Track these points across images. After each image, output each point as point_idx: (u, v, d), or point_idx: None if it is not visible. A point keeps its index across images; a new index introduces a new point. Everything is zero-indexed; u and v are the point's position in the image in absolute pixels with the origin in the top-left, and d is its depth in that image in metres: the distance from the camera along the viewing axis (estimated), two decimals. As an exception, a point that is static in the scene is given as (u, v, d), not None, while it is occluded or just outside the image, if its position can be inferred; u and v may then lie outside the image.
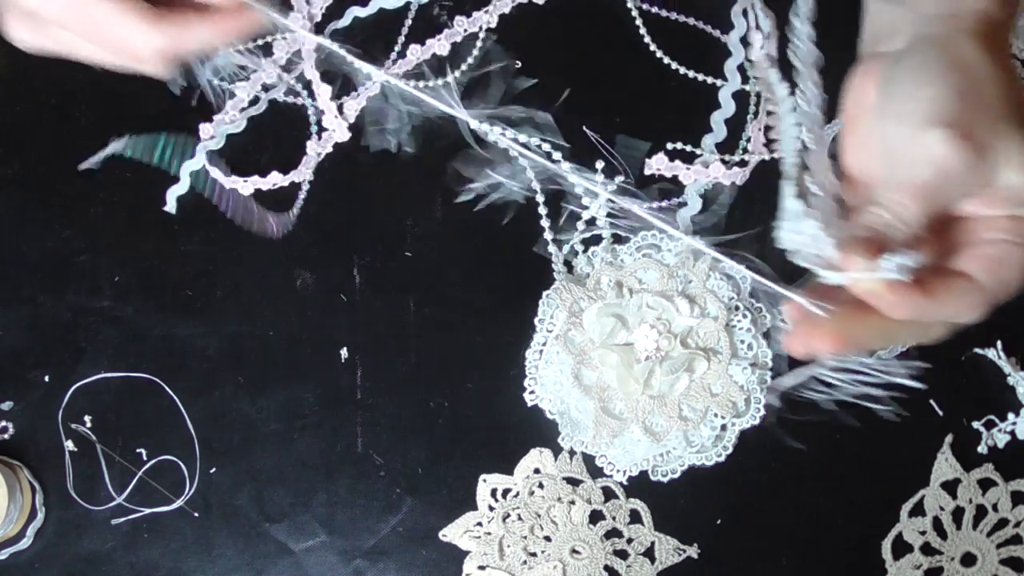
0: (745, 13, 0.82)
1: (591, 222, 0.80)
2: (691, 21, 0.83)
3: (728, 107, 0.81)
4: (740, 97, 0.81)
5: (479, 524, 0.77)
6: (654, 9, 0.83)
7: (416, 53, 0.82)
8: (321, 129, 0.81)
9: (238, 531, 0.77)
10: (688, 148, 0.81)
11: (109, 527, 0.77)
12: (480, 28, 0.83)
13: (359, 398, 0.78)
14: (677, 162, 0.80)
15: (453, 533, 0.77)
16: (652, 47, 0.82)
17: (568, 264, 0.79)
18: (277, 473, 0.77)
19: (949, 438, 0.77)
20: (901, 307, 0.53)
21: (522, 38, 0.82)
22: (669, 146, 0.80)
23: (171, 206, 0.79)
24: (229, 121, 0.81)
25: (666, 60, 0.82)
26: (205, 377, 0.78)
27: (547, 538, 0.77)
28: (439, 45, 0.82)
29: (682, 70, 0.82)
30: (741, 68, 0.82)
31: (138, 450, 0.78)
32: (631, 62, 0.82)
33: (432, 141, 0.79)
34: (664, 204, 0.80)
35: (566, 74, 0.82)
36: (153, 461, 0.77)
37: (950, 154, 0.51)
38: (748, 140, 0.81)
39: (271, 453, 0.78)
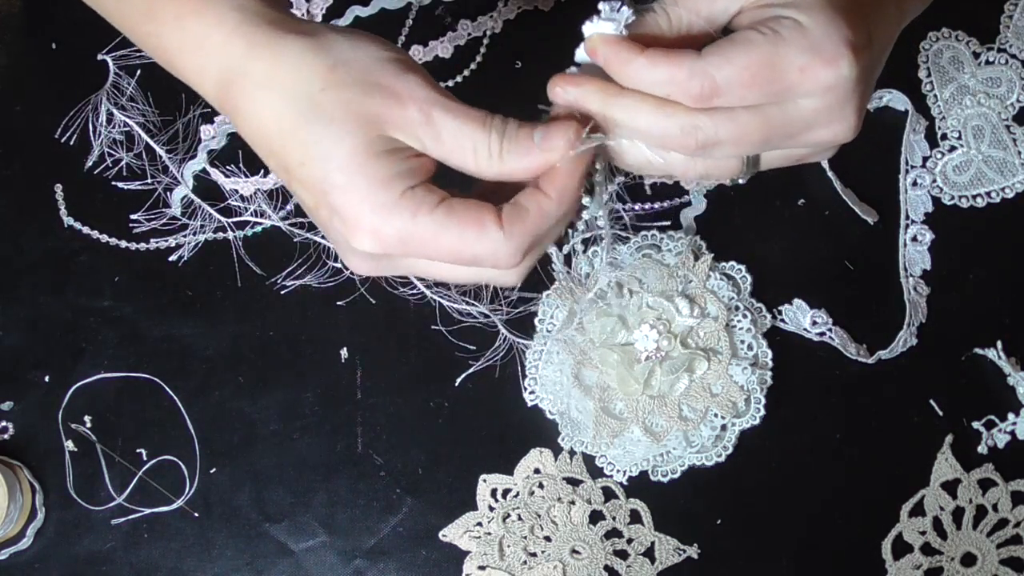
0: None
1: (591, 222, 0.80)
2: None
3: None
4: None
5: (479, 524, 0.77)
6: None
7: (418, 54, 0.82)
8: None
9: (238, 531, 0.77)
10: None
11: (109, 527, 0.77)
12: (484, 33, 0.83)
13: (359, 398, 0.78)
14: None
15: (453, 533, 0.77)
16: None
17: (568, 264, 0.79)
18: (277, 473, 0.77)
19: (949, 438, 0.77)
20: (611, 57, 0.53)
21: (524, 43, 0.83)
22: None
23: (175, 206, 0.80)
24: (230, 121, 0.80)
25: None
26: (205, 377, 0.78)
27: (547, 538, 0.77)
28: (442, 48, 0.83)
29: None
30: None
31: (138, 450, 0.78)
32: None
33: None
34: (667, 204, 0.81)
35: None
36: (153, 461, 0.77)
37: None
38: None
39: (271, 453, 0.78)
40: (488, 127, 0.52)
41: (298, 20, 0.54)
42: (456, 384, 0.78)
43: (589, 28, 0.54)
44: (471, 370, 0.78)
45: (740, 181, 0.59)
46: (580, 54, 0.56)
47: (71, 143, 0.81)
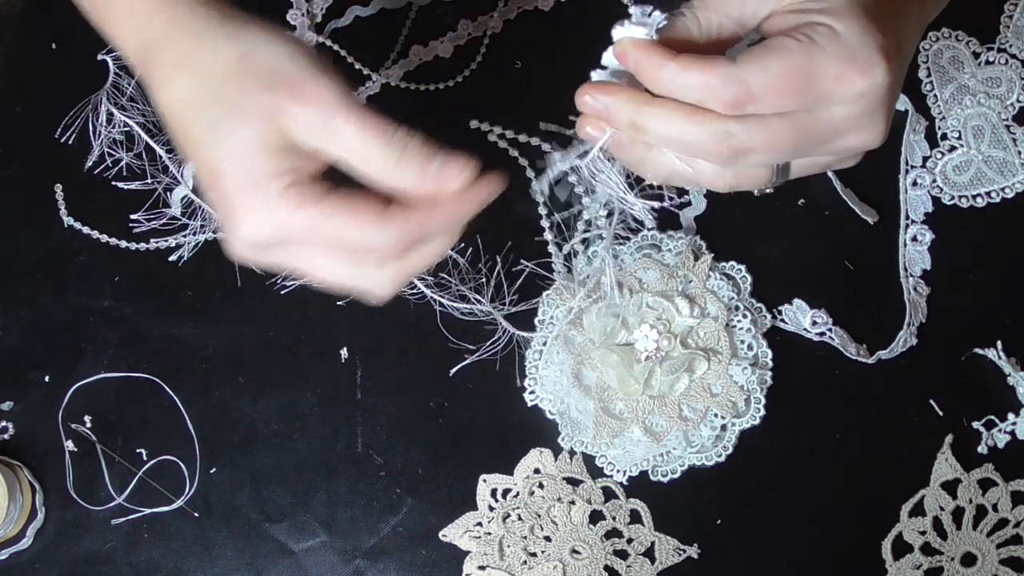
0: None
1: (591, 222, 0.80)
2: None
3: None
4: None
5: (479, 524, 0.77)
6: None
7: (419, 54, 0.82)
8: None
9: (238, 531, 0.77)
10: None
11: (109, 527, 0.77)
12: (484, 33, 0.83)
13: (359, 398, 0.78)
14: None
15: (453, 533, 0.77)
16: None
17: (568, 264, 0.79)
18: (277, 473, 0.77)
19: (949, 438, 0.77)
20: (643, 62, 0.53)
21: (524, 43, 0.83)
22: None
23: (175, 206, 0.80)
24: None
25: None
26: (205, 377, 0.78)
27: (547, 538, 0.77)
28: (442, 48, 0.83)
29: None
30: None
31: (138, 450, 0.78)
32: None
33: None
34: (667, 204, 0.80)
35: (568, 77, 0.82)
36: (153, 461, 0.77)
37: None
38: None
39: (271, 453, 0.78)
40: (388, 140, 0.53)
41: (222, 5, 0.55)
42: (454, 382, 0.78)
43: (619, 32, 0.54)
44: (468, 361, 0.78)
45: (768, 190, 0.59)
46: (608, 58, 0.56)
47: (71, 143, 0.81)
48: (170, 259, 0.80)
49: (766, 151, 0.53)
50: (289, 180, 0.53)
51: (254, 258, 0.56)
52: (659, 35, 0.54)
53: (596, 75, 0.56)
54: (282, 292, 0.79)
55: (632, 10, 0.54)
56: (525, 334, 0.77)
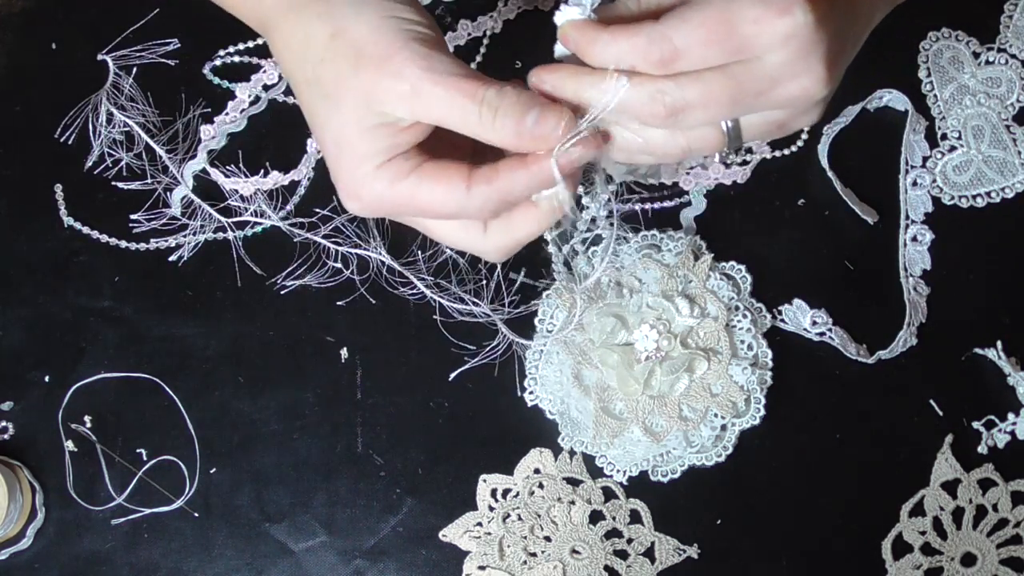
0: None
1: (591, 222, 0.80)
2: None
3: None
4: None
5: (479, 524, 0.77)
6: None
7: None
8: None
9: (238, 531, 0.77)
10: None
11: (109, 527, 0.77)
12: (484, 33, 0.83)
13: (359, 398, 0.78)
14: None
15: (453, 533, 0.77)
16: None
17: (568, 264, 0.79)
18: (277, 473, 0.77)
19: (949, 438, 0.77)
20: (580, 40, 0.54)
21: (524, 43, 0.83)
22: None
23: (175, 206, 0.80)
24: (230, 121, 0.81)
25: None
26: (205, 377, 0.78)
27: (547, 538, 0.77)
28: (440, 46, 0.83)
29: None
30: None
31: (138, 450, 0.78)
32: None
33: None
34: (668, 205, 0.81)
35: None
36: (153, 461, 0.77)
37: None
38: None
39: (271, 453, 0.78)
40: (479, 100, 0.53)
41: None
42: (454, 382, 0.78)
43: (560, 17, 0.55)
44: (467, 366, 0.78)
45: (729, 159, 0.59)
46: (559, 48, 0.57)
47: (71, 143, 0.81)
48: (170, 259, 0.80)
49: (704, 106, 0.54)
50: (384, 158, 0.55)
51: (368, 215, 0.59)
52: (598, 15, 0.55)
53: (558, 54, 0.57)
54: (282, 292, 0.79)
55: None
56: (524, 341, 0.77)
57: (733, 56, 0.52)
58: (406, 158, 0.56)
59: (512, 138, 0.54)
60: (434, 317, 0.78)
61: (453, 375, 0.78)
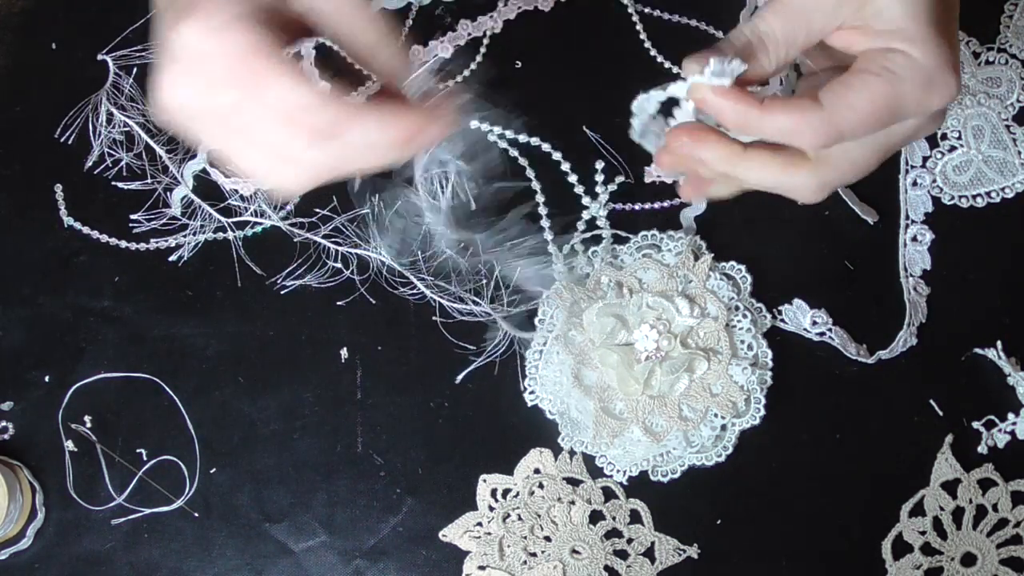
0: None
1: (591, 222, 0.80)
2: (692, 23, 0.83)
3: None
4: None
5: (479, 524, 0.77)
6: (655, 12, 0.83)
7: (418, 54, 0.82)
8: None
9: (238, 531, 0.77)
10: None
11: (109, 527, 0.77)
12: (484, 34, 0.83)
13: (359, 398, 0.78)
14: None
15: (453, 533, 0.77)
16: (652, 52, 0.83)
17: (568, 264, 0.79)
18: (277, 473, 0.77)
19: (949, 438, 0.77)
20: (727, 110, 0.53)
21: (524, 43, 0.83)
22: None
23: (175, 206, 0.80)
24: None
25: (667, 64, 0.82)
26: (205, 377, 0.78)
27: (547, 538, 0.77)
28: (441, 48, 0.83)
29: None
30: None
31: (138, 450, 0.77)
32: (632, 66, 0.83)
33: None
34: (667, 204, 0.81)
35: (568, 77, 0.82)
36: (153, 461, 0.77)
37: None
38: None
39: (271, 453, 0.78)
40: (375, 19, 0.52)
41: None
42: (456, 383, 0.78)
43: (696, 80, 0.54)
44: (472, 366, 0.78)
45: None
46: (647, 105, 0.57)
47: (71, 143, 0.81)
48: (170, 259, 0.80)
49: (852, 177, 0.56)
50: (250, 8, 0.49)
51: (174, 106, 0.51)
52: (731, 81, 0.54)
53: (636, 121, 0.58)
54: (282, 292, 0.79)
55: (711, 61, 0.54)
56: (525, 335, 0.77)
57: (884, 128, 0.54)
58: (276, 32, 0.50)
59: (389, 62, 0.53)
60: (434, 318, 0.78)
61: (460, 377, 0.78)
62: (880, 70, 0.53)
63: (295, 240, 0.79)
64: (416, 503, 0.77)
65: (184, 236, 0.80)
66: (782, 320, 0.79)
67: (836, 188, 0.58)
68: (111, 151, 0.81)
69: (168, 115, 0.51)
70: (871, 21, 0.54)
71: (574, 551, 0.77)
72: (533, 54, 0.83)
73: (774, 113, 0.53)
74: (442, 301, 0.78)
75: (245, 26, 0.49)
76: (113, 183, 0.80)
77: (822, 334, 0.78)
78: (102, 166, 0.81)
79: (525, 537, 0.77)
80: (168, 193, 0.80)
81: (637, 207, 0.80)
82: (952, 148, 0.82)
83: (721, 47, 0.55)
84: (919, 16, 0.53)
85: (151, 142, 0.80)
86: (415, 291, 0.78)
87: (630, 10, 0.83)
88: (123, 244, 0.80)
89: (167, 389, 0.78)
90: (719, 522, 0.77)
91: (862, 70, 0.53)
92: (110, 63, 0.81)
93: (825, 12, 0.54)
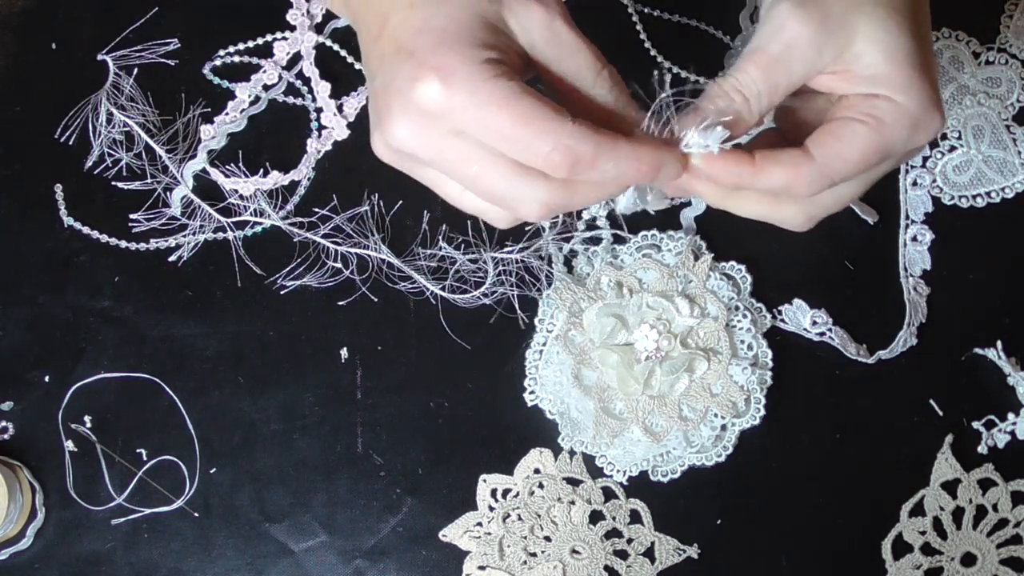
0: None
1: (591, 222, 0.80)
2: (692, 23, 0.83)
3: None
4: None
5: (479, 524, 0.77)
6: (655, 12, 0.83)
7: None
8: (321, 127, 0.81)
9: (238, 531, 0.77)
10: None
11: (109, 527, 0.77)
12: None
13: (359, 398, 0.78)
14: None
15: (453, 533, 0.77)
16: (653, 52, 0.83)
17: (568, 264, 0.79)
18: (277, 473, 0.77)
19: (949, 438, 0.77)
20: (722, 175, 0.54)
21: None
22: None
23: (175, 206, 0.80)
24: (230, 121, 0.81)
25: (667, 64, 0.82)
26: (205, 377, 0.78)
27: (547, 538, 0.77)
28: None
29: (682, 73, 0.82)
30: None
31: (138, 450, 0.77)
32: (632, 66, 0.82)
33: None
34: (667, 203, 0.80)
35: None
36: (153, 461, 0.77)
37: (794, 24, 0.52)
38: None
39: (271, 453, 0.78)
40: (602, 63, 0.53)
41: None
42: (454, 383, 0.78)
43: (687, 147, 0.54)
44: (471, 370, 0.78)
45: None
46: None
47: (71, 143, 0.81)
48: (170, 259, 0.80)
49: (837, 208, 0.57)
50: (494, 55, 0.50)
51: (397, 158, 0.52)
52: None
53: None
54: (282, 292, 0.79)
55: (692, 134, 0.53)
56: (527, 293, 0.77)
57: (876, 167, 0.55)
58: (512, 75, 0.50)
59: (611, 101, 0.54)
60: (434, 318, 0.78)
61: (456, 375, 0.78)
62: (866, 117, 0.53)
63: (295, 240, 0.79)
64: (416, 503, 0.77)
65: (184, 236, 0.80)
66: (782, 320, 0.79)
67: (823, 218, 0.59)
68: (111, 151, 0.81)
69: (390, 156, 0.53)
70: (852, 66, 0.54)
71: (574, 551, 0.77)
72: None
73: (768, 170, 0.53)
74: (442, 294, 0.78)
75: (492, 74, 0.49)
76: (113, 183, 0.80)
77: (822, 334, 0.78)
78: (102, 166, 0.81)
79: (525, 537, 0.77)
80: (168, 193, 0.80)
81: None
82: (952, 148, 0.82)
83: (702, 107, 0.54)
84: (900, 60, 0.53)
85: (151, 142, 0.80)
86: (415, 286, 0.78)
87: (630, 10, 0.83)
88: (123, 244, 0.80)
89: (167, 389, 0.78)
90: (719, 522, 0.77)
91: (848, 118, 0.54)
92: (110, 63, 0.81)
93: (805, 60, 0.53)
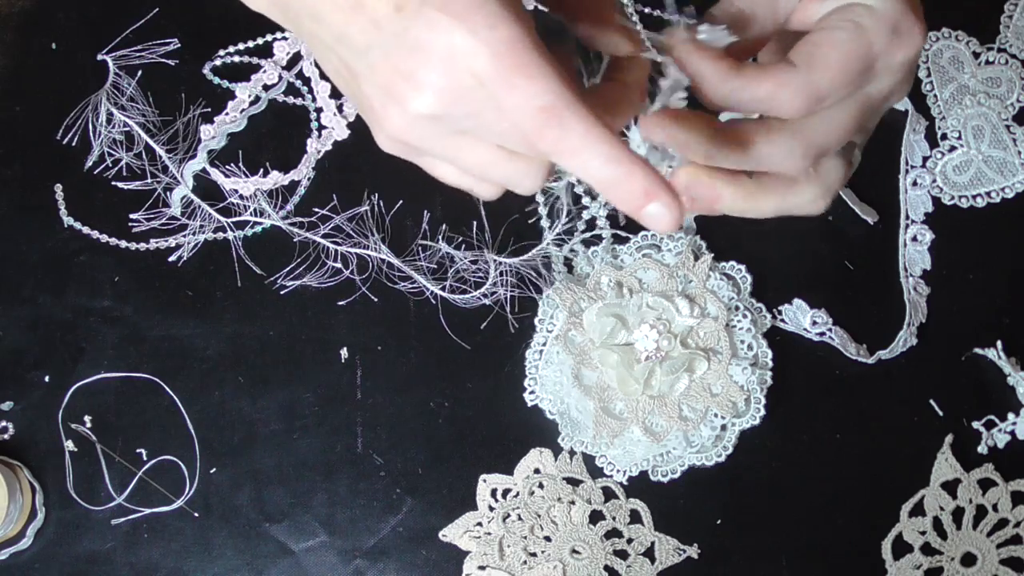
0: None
1: (591, 222, 0.80)
2: (692, 22, 0.83)
3: None
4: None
5: (479, 524, 0.77)
6: (656, 12, 0.83)
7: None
8: (321, 127, 0.81)
9: (238, 531, 0.77)
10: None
11: (109, 527, 0.77)
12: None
13: (359, 398, 0.78)
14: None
15: (453, 533, 0.77)
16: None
17: (568, 264, 0.79)
18: (277, 473, 0.77)
19: (949, 438, 0.77)
20: (707, 73, 0.53)
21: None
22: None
23: (175, 206, 0.80)
24: (230, 121, 0.81)
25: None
26: (205, 377, 0.78)
27: (547, 538, 0.77)
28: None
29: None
30: None
31: (138, 450, 0.78)
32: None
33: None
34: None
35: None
36: (153, 461, 0.77)
37: None
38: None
39: (271, 453, 0.78)
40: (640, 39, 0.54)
41: None
42: (454, 383, 0.78)
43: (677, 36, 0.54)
44: (471, 370, 0.78)
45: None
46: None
47: (71, 143, 0.81)
48: (170, 259, 0.80)
49: (839, 140, 0.55)
50: (508, 4, 0.46)
51: (407, 145, 0.50)
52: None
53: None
54: (282, 292, 0.79)
55: (701, 28, 0.53)
56: (527, 294, 0.77)
57: (860, 87, 0.54)
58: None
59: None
60: (434, 318, 0.78)
61: (456, 374, 0.78)
62: (844, 23, 0.53)
63: (295, 240, 0.79)
64: (416, 503, 0.77)
65: (184, 236, 0.80)
66: (782, 320, 0.79)
67: (837, 191, 0.58)
68: (111, 151, 0.81)
69: (409, 132, 0.49)
70: None
71: (574, 551, 0.77)
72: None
73: (752, 78, 0.53)
74: (441, 294, 0.78)
75: (510, 19, 0.47)
76: (113, 183, 0.80)
77: (822, 334, 0.78)
78: (102, 166, 0.81)
79: (525, 537, 0.77)
80: (168, 193, 0.80)
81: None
82: (952, 148, 0.82)
83: (712, 14, 0.55)
84: None
85: (151, 142, 0.80)
86: (414, 285, 0.78)
87: (630, 10, 0.83)
88: (123, 244, 0.80)
89: (167, 389, 0.78)
90: (719, 522, 0.77)
91: (826, 27, 0.54)
92: (110, 63, 0.81)
93: None
